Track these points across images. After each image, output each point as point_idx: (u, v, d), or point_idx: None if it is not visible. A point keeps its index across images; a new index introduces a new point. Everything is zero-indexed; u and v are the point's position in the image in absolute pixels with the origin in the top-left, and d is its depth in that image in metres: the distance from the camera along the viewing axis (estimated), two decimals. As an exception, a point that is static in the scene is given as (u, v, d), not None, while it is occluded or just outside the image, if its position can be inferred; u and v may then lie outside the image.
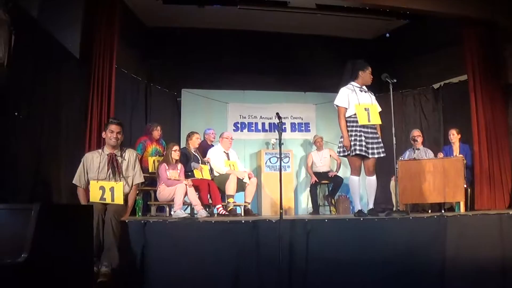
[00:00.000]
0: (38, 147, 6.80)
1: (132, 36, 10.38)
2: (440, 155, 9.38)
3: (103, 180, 6.05)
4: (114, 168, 6.15)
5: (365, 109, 7.18)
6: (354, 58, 8.17)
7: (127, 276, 5.64)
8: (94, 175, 6.09)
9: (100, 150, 6.28)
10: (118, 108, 8.58)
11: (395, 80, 7.41)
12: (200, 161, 9.02)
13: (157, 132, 9.38)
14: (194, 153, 9.09)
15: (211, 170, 9.00)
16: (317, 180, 10.91)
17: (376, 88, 11.62)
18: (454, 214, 7.00)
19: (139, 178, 6.41)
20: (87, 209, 5.18)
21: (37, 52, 6.73)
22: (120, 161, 6.23)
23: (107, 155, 6.18)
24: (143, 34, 11.16)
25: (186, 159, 8.86)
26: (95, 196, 5.95)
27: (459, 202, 8.43)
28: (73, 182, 6.15)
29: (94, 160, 6.15)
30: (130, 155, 6.33)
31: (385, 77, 7.43)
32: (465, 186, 8.49)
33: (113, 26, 8.48)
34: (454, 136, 9.60)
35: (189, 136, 9.28)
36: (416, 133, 9.87)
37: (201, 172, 8.65)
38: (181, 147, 9.00)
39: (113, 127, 6.18)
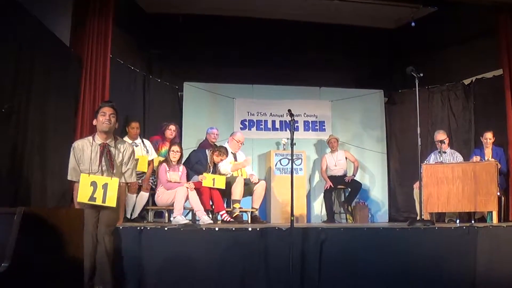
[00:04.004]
0: (22, 145, 6.65)
1: (129, 23, 10.37)
2: (477, 158, 9.21)
3: (97, 174, 5.71)
4: (107, 160, 5.79)
5: None
6: (376, 50, 8.17)
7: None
8: (86, 167, 5.73)
9: (90, 138, 5.88)
10: (113, 102, 8.53)
11: (421, 74, 7.35)
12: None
13: (169, 132, 9.37)
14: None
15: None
16: (332, 185, 10.86)
17: (400, 83, 11.66)
18: (486, 225, 6.96)
19: (131, 177, 6.09)
20: (78, 213, 5.06)
21: (22, 39, 6.57)
22: (113, 152, 5.86)
23: (99, 145, 5.79)
24: (141, 21, 11.13)
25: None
26: (84, 194, 5.61)
27: (491, 212, 8.29)
28: (68, 178, 5.84)
29: (84, 150, 5.79)
30: (125, 149, 5.98)
31: (411, 70, 7.37)
32: (498, 194, 8.34)
33: (108, 11, 8.49)
34: (490, 140, 9.44)
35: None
36: (441, 135, 9.68)
37: (213, 182, 8.55)
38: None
39: (106, 109, 5.78)
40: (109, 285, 5.43)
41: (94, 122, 5.90)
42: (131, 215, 8.41)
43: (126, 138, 8.56)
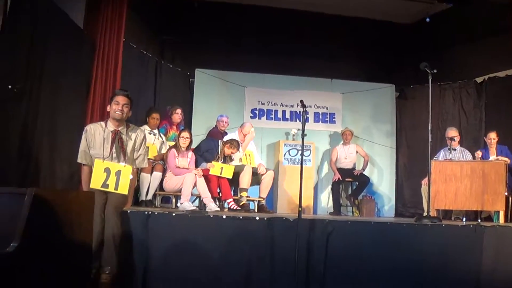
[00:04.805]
0: (32, 126, 6.63)
1: (143, 8, 10.32)
2: (478, 154, 9.24)
3: (107, 160, 5.77)
4: (119, 147, 5.87)
5: None
6: (389, 44, 8.10)
7: (127, 276, 5.62)
8: (98, 152, 5.80)
9: (103, 123, 5.96)
10: (124, 86, 8.38)
11: (435, 71, 7.31)
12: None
13: (177, 116, 9.43)
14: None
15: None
16: (341, 178, 10.87)
17: (412, 78, 11.62)
18: (493, 224, 6.92)
19: (143, 163, 6.18)
20: (88, 196, 5.06)
21: (36, 19, 6.55)
22: (125, 140, 5.93)
23: (112, 131, 5.86)
24: (155, 6, 11.08)
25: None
26: (97, 180, 5.67)
27: (498, 212, 8.27)
28: (78, 160, 5.89)
29: (96, 134, 5.85)
30: (137, 135, 6.05)
31: (424, 66, 7.33)
32: (506, 193, 8.31)
33: (122, -5, 8.46)
34: (494, 140, 9.43)
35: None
36: (453, 132, 9.67)
37: (221, 171, 8.53)
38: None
39: (120, 98, 5.84)
40: (114, 267, 5.45)
41: (108, 108, 5.98)
42: (146, 195, 8.44)
43: (145, 127, 8.67)
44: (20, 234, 3.67)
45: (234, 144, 8.84)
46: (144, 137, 6.21)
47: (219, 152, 8.83)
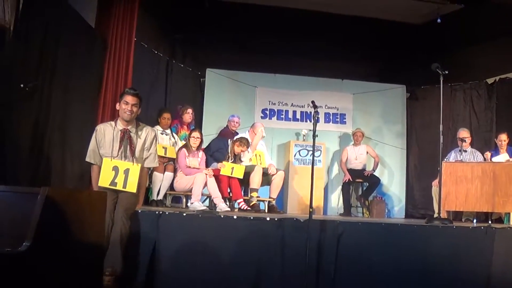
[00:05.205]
0: (44, 125, 6.66)
1: (155, 7, 10.31)
2: (488, 155, 9.22)
3: (116, 159, 5.82)
4: (127, 146, 5.89)
5: None
6: (400, 45, 8.07)
7: (136, 276, 5.63)
8: (107, 151, 5.85)
9: (113, 123, 6.00)
10: (135, 85, 8.38)
11: (446, 72, 7.29)
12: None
13: (188, 116, 9.46)
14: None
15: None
16: (351, 178, 10.86)
17: (423, 79, 11.59)
18: (504, 226, 6.91)
19: (153, 162, 6.18)
20: (101, 196, 5.04)
21: (48, 18, 6.59)
22: (134, 138, 5.95)
23: (120, 130, 5.89)
24: (166, 5, 11.07)
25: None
26: (105, 178, 5.71)
27: (509, 213, 8.28)
28: (86, 159, 5.95)
29: (106, 134, 5.90)
30: (147, 134, 6.05)
31: (436, 67, 7.33)
32: (517, 195, 8.27)
33: (134, -6, 8.47)
34: (505, 142, 9.36)
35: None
36: (464, 133, 9.64)
37: (232, 171, 8.54)
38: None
39: (129, 98, 5.84)
40: (119, 268, 5.45)
41: (117, 107, 5.99)
42: (157, 195, 8.45)
43: (157, 127, 8.71)
44: (32, 233, 3.65)
45: (244, 142, 8.84)
46: (155, 136, 6.22)
47: (229, 151, 8.83)
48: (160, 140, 8.38)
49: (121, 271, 5.46)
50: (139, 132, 6.01)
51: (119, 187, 5.75)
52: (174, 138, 9.03)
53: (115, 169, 5.75)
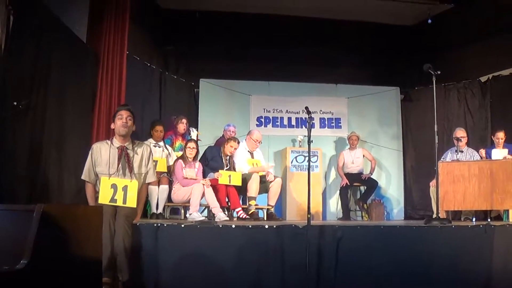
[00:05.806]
0: (39, 142, 6.66)
1: (146, 19, 10.38)
2: (482, 152, 9.22)
3: (114, 176, 5.81)
4: (125, 163, 5.89)
5: None
6: (392, 47, 8.10)
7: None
8: (104, 169, 5.83)
9: (108, 141, 5.99)
10: (129, 99, 8.48)
11: (439, 72, 7.30)
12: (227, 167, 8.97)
13: (182, 126, 9.44)
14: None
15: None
16: (348, 183, 10.86)
17: (416, 80, 11.62)
18: (503, 223, 6.90)
19: (152, 177, 6.21)
20: (96, 210, 5.03)
21: (39, 34, 6.57)
22: (131, 155, 5.95)
23: (117, 148, 5.90)
24: (158, 17, 11.16)
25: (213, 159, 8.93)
26: (105, 196, 5.71)
27: (507, 210, 8.24)
28: (82, 177, 5.93)
29: (102, 152, 5.89)
30: (143, 150, 6.07)
31: (428, 68, 7.32)
32: (514, 192, 8.27)
33: (124, 8, 8.52)
34: (502, 139, 9.41)
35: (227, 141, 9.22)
36: (461, 132, 9.62)
37: (229, 179, 8.52)
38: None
39: (122, 112, 5.86)
40: (126, 275, 5.47)
41: (112, 126, 5.99)
42: (157, 208, 8.43)
43: (150, 140, 8.71)
44: (29, 251, 3.62)
45: (232, 139, 8.89)
46: (151, 151, 6.24)
47: (223, 156, 8.84)
48: (153, 153, 8.38)
49: (128, 278, 5.48)
50: (135, 148, 6.02)
51: (119, 203, 5.73)
52: (168, 150, 9.01)
53: (114, 186, 5.75)
